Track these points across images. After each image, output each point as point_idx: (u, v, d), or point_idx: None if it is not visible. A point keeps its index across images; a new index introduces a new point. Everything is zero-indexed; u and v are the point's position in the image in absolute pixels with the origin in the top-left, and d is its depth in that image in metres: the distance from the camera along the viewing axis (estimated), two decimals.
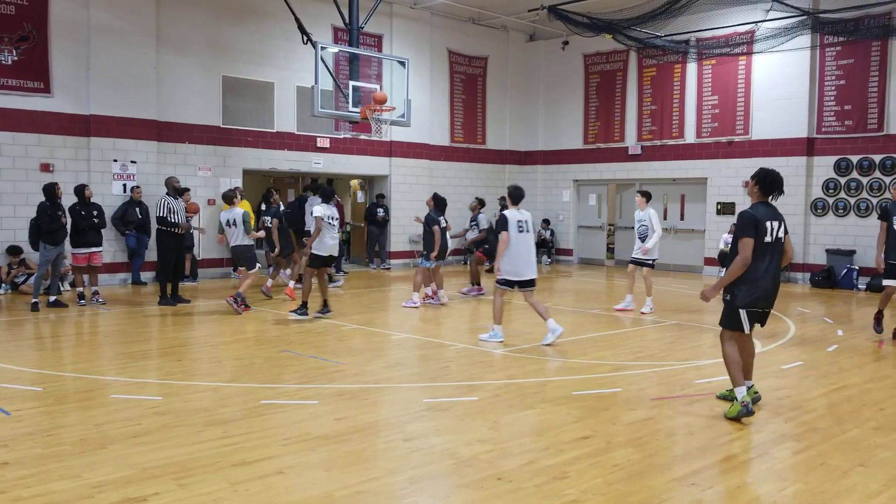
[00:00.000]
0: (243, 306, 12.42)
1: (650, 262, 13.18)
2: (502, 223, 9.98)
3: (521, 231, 9.99)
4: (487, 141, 23.15)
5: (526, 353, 9.46)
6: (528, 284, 10.11)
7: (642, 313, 12.90)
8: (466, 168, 22.52)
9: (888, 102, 17.24)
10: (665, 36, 17.97)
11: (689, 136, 20.45)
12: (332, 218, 12.13)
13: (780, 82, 18.61)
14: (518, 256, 9.98)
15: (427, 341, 10.42)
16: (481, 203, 16.76)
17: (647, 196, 13.34)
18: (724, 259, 18.77)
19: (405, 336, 10.74)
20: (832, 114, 18.03)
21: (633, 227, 13.79)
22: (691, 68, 20.32)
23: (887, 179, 17.25)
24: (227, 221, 12.81)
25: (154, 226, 14.48)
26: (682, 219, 21.06)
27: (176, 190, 13.43)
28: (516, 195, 10.26)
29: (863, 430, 6.43)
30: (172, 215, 13.07)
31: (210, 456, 5.52)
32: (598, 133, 22.46)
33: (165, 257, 13.29)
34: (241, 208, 13.03)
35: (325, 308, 12.19)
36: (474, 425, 6.42)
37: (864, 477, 5.33)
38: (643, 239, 13.08)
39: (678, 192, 21.07)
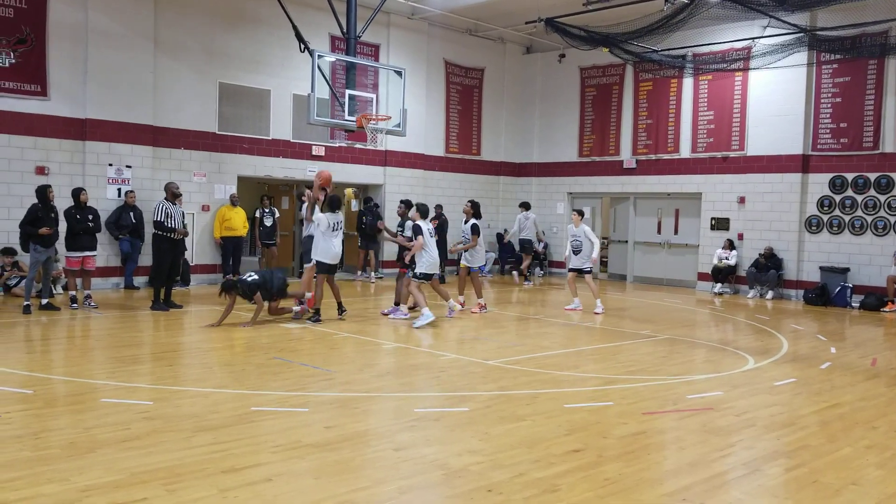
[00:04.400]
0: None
1: (589, 269, 14.87)
2: (417, 230, 12.49)
3: (431, 237, 12.77)
4: (482, 152, 23.17)
5: (517, 365, 9.44)
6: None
7: (596, 314, 14.31)
8: (461, 178, 22.52)
9: (884, 120, 17.29)
10: (662, 50, 18.03)
11: (685, 151, 20.49)
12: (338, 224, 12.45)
13: (776, 99, 18.66)
14: (432, 255, 12.62)
15: (418, 351, 10.40)
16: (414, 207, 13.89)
17: (581, 213, 15.12)
18: (718, 274, 19.00)
19: (396, 345, 10.71)
20: (828, 131, 18.09)
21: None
22: (687, 83, 20.39)
23: (882, 198, 17.30)
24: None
25: (149, 230, 14.52)
26: (676, 233, 21.08)
27: (174, 195, 13.44)
28: (424, 210, 12.87)
29: (855, 448, 6.43)
30: (169, 220, 13.06)
31: (199, 462, 5.49)
32: (593, 146, 22.49)
33: (160, 262, 13.26)
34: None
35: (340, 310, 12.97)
36: (465, 436, 6.39)
37: (856, 495, 5.31)
38: (577, 252, 14.80)
39: (672, 207, 21.10)
